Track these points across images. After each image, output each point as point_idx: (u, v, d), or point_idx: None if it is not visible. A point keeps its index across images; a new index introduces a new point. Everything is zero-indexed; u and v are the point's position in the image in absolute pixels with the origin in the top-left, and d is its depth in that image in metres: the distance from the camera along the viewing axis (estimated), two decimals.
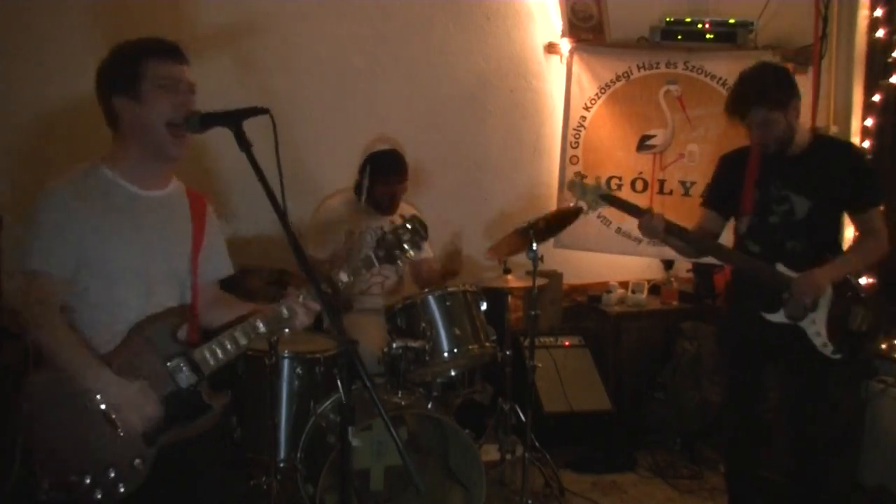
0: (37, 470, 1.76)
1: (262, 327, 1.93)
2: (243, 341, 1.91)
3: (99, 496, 1.76)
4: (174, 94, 1.88)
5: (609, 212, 4.32)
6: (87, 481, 1.76)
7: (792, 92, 2.68)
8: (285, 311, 1.94)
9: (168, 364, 1.85)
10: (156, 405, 1.82)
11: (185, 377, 1.86)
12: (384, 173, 3.43)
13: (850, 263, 2.76)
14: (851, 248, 2.91)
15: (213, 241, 2.10)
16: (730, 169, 2.91)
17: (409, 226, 2.10)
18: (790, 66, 4.10)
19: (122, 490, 1.78)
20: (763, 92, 2.65)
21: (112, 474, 1.77)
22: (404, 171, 3.50)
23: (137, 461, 1.79)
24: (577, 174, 2.90)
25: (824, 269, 2.67)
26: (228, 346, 1.90)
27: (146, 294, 1.90)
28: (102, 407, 1.76)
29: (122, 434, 1.78)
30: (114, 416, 1.77)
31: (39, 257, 1.81)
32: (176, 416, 1.86)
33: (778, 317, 2.72)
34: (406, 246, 2.08)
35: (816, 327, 2.68)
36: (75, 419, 1.77)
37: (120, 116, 1.90)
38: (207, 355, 1.89)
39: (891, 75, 3.56)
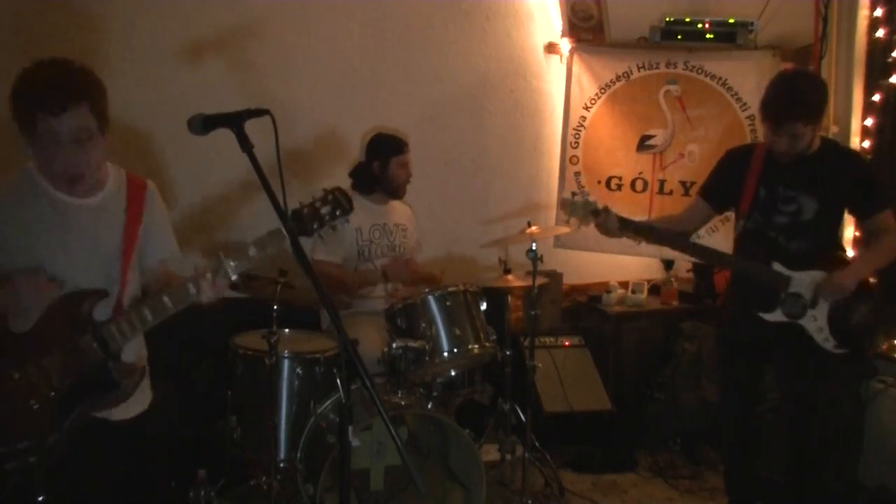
0: None
1: (168, 303, 1.95)
2: (150, 317, 1.95)
3: (12, 465, 1.85)
4: (60, 146, 1.87)
5: None
6: (2, 450, 1.84)
7: (825, 107, 2.72)
8: (191, 288, 1.95)
9: (78, 340, 1.91)
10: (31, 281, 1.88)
11: (94, 353, 1.92)
12: (396, 145, 3.53)
13: (872, 262, 2.77)
14: (870, 247, 2.86)
15: (153, 223, 2.13)
16: (733, 164, 2.91)
17: (329, 196, 1.99)
18: (790, 65, 4.12)
19: (31, 460, 1.86)
20: (806, 106, 2.62)
21: (22, 445, 1.85)
22: (406, 142, 3.59)
23: (52, 437, 1.87)
24: (572, 193, 2.94)
25: (850, 269, 2.69)
26: (136, 323, 1.94)
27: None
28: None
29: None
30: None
31: None
32: (86, 391, 1.93)
33: (775, 316, 2.73)
34: (326, 218, 1.97)
35: (818, 323, 2.69)
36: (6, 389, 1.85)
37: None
38: (115, 331, 1.93)
39: (891, 75, 3.55)
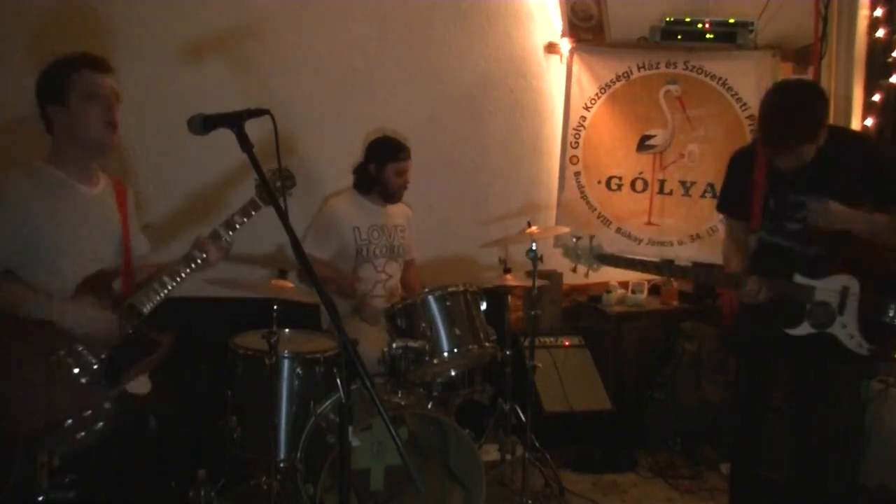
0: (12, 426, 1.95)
1: (182, 270, 2.20)
2: (171, 284, 2.18)
3: (82, 434, 2.00)
4: (98, 101, 2.11)
5: (609, 211, 4.33)
6: (70, 423, 1.99)
7: (828, 117, 2.56)
8: (197, 254, 2.23)
9: (114, 312, 2.10)
10: (112, 321, 2.08)
11: (130, 321, 2.12)
12: (394, 151, 3.52)
13: (872, 224, 2.59)
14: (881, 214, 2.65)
15: (133, 222, 2.36)
16: (739, 171, 2.81)
17: (282, 173, 2.35)
18: (790, 65, 4.12)
19: (99, 426, 2.02)
20: (811, 131, 2.49)
21: (87, 413, 2.01)
22: (408, 148, 3.58)
23: (107, 404, 2.05)
24: (574, 238, 2.87)
25: (846, 210, 2.53)
26: (159, 290, 2.16)
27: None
28: (69, 329, 2.02)
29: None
30: (81, 339, 2.03)
31: None
32: (129, 357, 2.11)
33: (802, 329, 2.64)
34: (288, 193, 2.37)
35: (848, 330, 2.61)
36: (42, 372, 1.98)
37: (53, 122, 2.13)
38: (144, 300, 2.14)
39: (891, 75, 3.56)
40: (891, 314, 2.61)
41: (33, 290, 2.04)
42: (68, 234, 2.10)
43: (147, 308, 2.14)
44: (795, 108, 2.52)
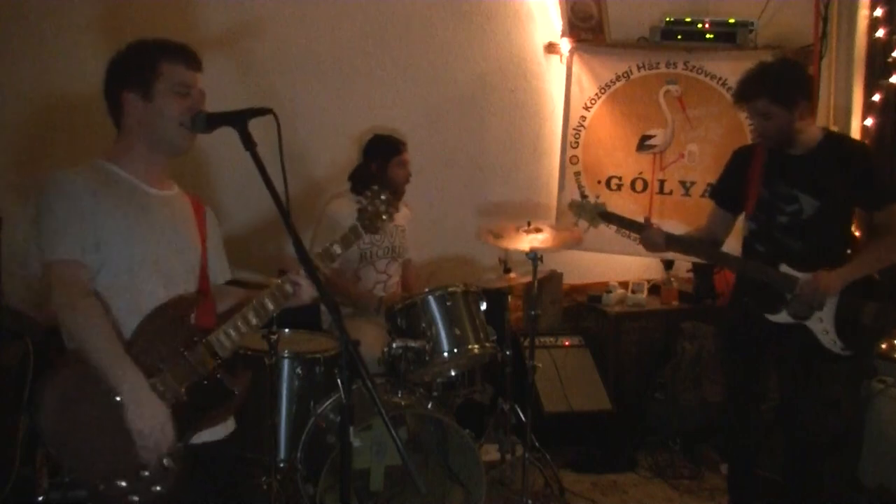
0: (71, 478, 1.71)
1: (270, 305, 1.93)
2: (254, 321, 1.91)
3: (136, 499, 1.69)
4: (186, 100, 1.88)
5: None
6: (123, 485, 1.68)
7: (800, 92, 2.66)
8: (289, 287, 1.95)
9: (185, 352, 1.81)
10: (172, 431, 1.74)
11: (206, 365, 1.83)
12: (395, 145, 3.53)
13: (867, 264, 2.68)
14: (867, 247, 2.78)
15: (214, 245, 2.09)
16: (738, 164, 2.90)
17: (382, 196, 2.24)
18: None
19: (157, 489, 1.72)
20: (769, 83, 2.64)
21: (146, 474, 1.71)
22: (405, 140, 3.60)
23: (167, 460, 1.73)
24: (582, 195, 2.97)
25: (838, 272, 2.62)
26: (241, 327, 1.89)
27: (166, 285, 1.87)
28: (123, 407, 1.68)
29: (138, 447, 1.70)
30: (130, 424, 1.68)
31: (66, 244, 1.74)
32: (201, 406, 1.83)
33: (781, 317, 2.70)
34: (384, 216, 2.22)
35: (824, 325, 2.65)
36: (104, 419, 1.69)
37: (127, 112, 1.87)
38: (223, 339, 1.87)
39: (891, 75, 3.56)
40: (866, 316, 2.66)
41: (114, 338, 1.72)
42: (146, 238, 1.85)
43: (227, 351, 1.87)
44: (765, 65, 2.75)
